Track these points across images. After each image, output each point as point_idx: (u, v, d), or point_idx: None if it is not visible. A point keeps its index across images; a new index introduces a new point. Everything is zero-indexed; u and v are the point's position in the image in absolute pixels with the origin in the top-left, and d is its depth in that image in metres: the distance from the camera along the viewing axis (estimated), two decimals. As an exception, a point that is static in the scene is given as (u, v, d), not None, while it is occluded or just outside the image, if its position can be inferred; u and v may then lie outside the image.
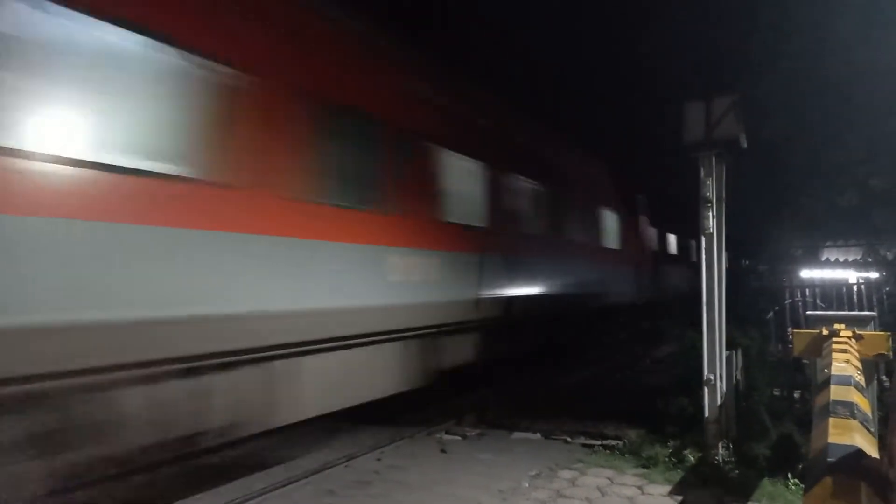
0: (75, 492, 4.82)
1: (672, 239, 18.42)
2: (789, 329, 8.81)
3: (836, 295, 9.43)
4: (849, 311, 8.51)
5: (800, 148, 14.21)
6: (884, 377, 6.76)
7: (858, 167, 13.79)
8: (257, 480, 5.56)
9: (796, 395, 7.34)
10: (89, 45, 3.90)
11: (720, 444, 5.89)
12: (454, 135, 7.85)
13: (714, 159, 6.25)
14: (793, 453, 5.51)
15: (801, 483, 5.02)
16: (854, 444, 1.89)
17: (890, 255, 13.93)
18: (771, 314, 9.62)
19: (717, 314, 6.16)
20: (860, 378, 3.23)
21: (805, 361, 6.74)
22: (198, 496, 5.17)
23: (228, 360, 4.67)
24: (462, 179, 7.97)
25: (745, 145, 6.43)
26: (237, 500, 5.03)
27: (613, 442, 6.69)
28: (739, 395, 6.45)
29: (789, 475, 5.28)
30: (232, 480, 5.59)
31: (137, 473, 5.59)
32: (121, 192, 3.98)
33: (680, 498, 5.09)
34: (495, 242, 8.58)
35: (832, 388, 2.71)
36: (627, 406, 8.13)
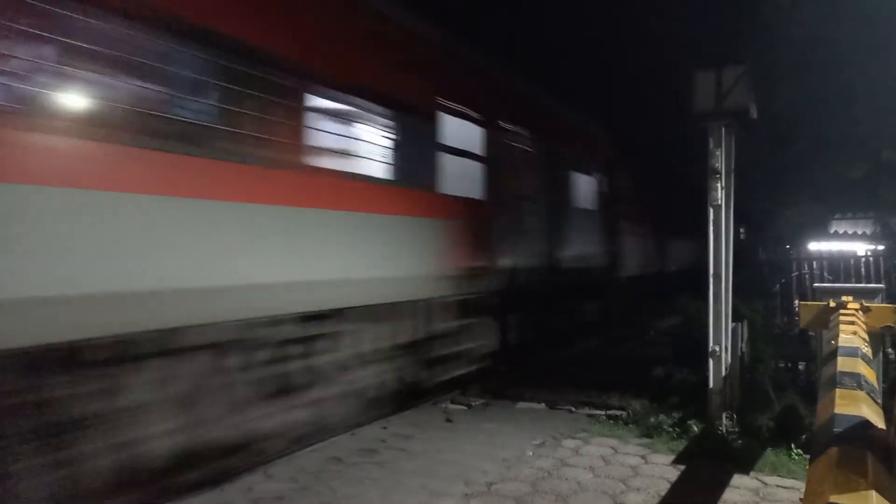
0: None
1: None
2: (795, 301, 8.79)
3: (843, 267, 9.38)
4: (856, 283, 8.47)
5: (809, 118, 14.00)
6: (889, 349, 6.76)
7: (869, 140, 13.59)
8: (263, 446, 5.62)
9: (801, 367, 7.35)
10: None
11: (724, 415, 5.93)
12: None
13: (724, 130, 6.18)
14: (796, 424, 5.54)
15: (805, 453, 5.05)
16: (861, 414, 1.88)
17: (900, 228, 13.80)
18: (777, 286, 9.60)
19: (724, 286, 6.15)
20: (867, 350, 3.21)
21: (811, 334, 6.75)
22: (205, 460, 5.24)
23: None
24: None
25: (755, 115, 6.35)
26: (245, 466, 5.09)
27: (617, 412, 6.74)
28: (744, 367, 6.47)
29: (792, 446, 5.32)
30: (238, 445, 5.65)
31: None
32: None
33: (683, 467, 5.13)
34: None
35: (839, 359, 2.69)
36: (631, 377, 8.17)
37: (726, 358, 6.06)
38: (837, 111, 13.14)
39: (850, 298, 4.77)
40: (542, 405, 7.25)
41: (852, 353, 2.83)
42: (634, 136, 15.76)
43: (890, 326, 4.53)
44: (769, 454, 5.31)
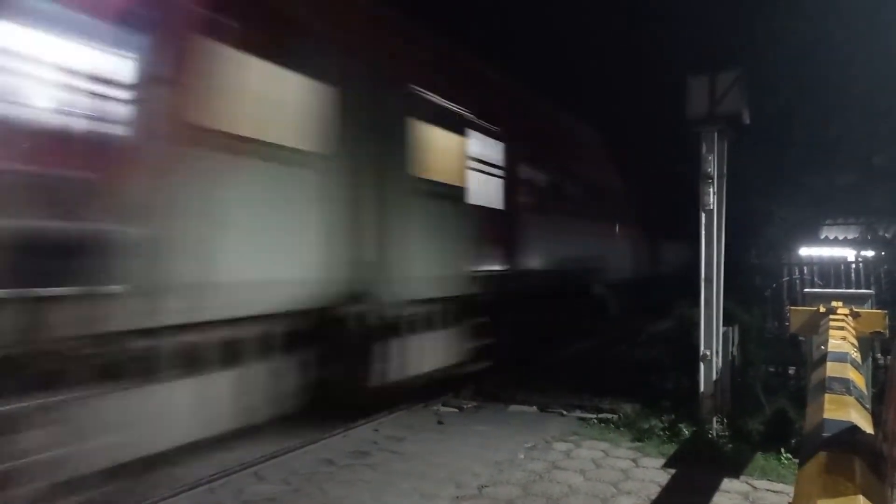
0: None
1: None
2: (786, 306, 8.82)
3: (833, 273, 9.42)
4: (846, 289, 8.52)
5: (801, 124, 14.10)
6: (878, 355, 6.79)
7: (860, 145, 13.70)
8: (255, 448, 5.61)
9: (791, 371, 7.39)
10: None
11: (714, 419, 5.96)
12: None
13: (716, 135, 6.21)
14: (786, 429, 5.57)
15: (794, 458, 5.08)
16: (850, 419, 1.89)
17: (888, 234, 13.90)
18: (768, 291, 9.63)
19: (715, 290, 6.18)
20: (856, 355, 3.24)
21: (801, 338, 6.78)
22: (196, 462, 5.22)
23: None
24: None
25: (747, 121, 6.39)
26: (236, 468, 5.08)
27: (608, 415, 6.75)
28: (735, 371, 6.50)
29: (782, 450, 5.36)
30: (229, 447, 5.63)
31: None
32: None
33: (673, 471, 5.15)
34: None
35: (828, 364, 2.71)
36: (623, 380, 8.19)
37: (717, 362, 6.08)
38: (831, 116, 13.24)
39: (840, 304, 4.80)
40: (534, 408, 7.26)
41: (842, 358, 2.85)
42: (628, 139, 15.80)
43: (879, 332, 4.55)
44: (759, 458, 5.34)
